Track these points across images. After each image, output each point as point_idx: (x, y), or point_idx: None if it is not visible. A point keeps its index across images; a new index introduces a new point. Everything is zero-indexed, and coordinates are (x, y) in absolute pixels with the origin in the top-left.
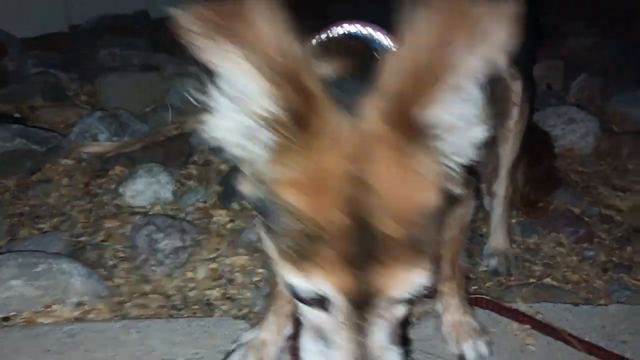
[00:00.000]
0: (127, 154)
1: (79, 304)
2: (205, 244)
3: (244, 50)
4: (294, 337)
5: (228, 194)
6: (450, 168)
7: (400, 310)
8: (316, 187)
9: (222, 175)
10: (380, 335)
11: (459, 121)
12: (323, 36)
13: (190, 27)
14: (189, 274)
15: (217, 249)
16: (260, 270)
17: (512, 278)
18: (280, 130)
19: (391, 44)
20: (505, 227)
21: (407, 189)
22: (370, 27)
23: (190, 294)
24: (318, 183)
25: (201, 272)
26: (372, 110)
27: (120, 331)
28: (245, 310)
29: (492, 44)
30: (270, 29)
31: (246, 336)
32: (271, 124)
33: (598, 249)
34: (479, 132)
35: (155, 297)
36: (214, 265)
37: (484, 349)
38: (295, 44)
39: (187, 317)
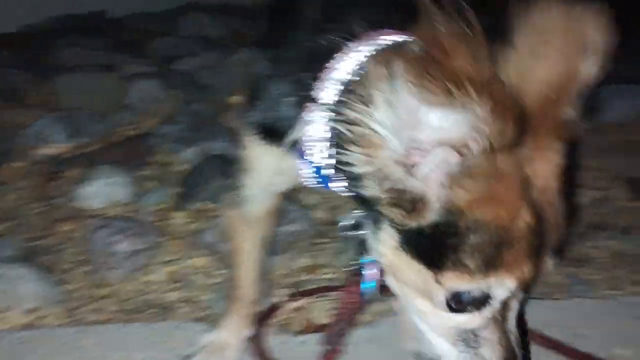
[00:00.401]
0: (84, 155)
1: (33, 310)
2: (164, 246)
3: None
4: (256, 338)
5: (188, 195)
6: None
7: None
8: (503, 198)
9: (181, 176)
10: (514, 317)
11: None
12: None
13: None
14: (147, 277)
15: (177, 251)
16: (221, 272)
17: None
18: (476, 154)
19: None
20: None
21: (556, 179)
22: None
23: (148, 297)
24: (504, 194)
25: (159, 275)
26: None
27: (75, 336)
28: (204, 313)
29: (596, 50)
30: (471, 54)
31: (206, 338)
32: (464, 150)
33: None
34: None
35: (111, 301)
36: (173, 268)
37: None
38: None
39: (144, 321)
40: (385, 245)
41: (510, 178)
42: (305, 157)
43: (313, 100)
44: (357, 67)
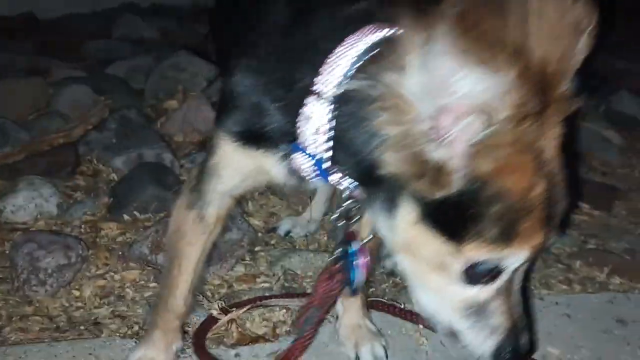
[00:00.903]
0: (8, 165)
1: None
2: (93, 260)
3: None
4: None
5: (118, 205)
6: None
7: None
8: (524, 168)
9: (112, 185)
10: (518, 288)
11: None
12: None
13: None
14: (75, 293)
15: (106, 265)
16: (153, 285)
17: None
18: (502, 122)
19: None
20: None
21: (560, 152)
22: None
23: (76, 314)
24: (525, 164)
25: (88, 290)
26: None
27: None
28: (135, 328)
29: (587, 30)
30: (506, 18)
31: (133, 356)
32: (491, 117)
33: None
34: None
35: (37, 320)
36: (102, 282)
37: (381, 351)
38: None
39: (72, 339)
40: (403, 221)
41: (531, 148)
42: (304, 152)
43: (313, 94)
44: (371, 47)
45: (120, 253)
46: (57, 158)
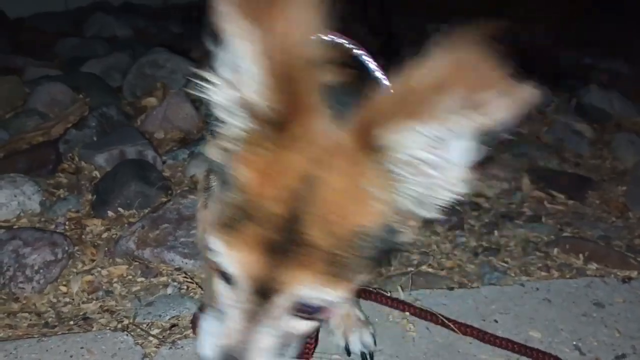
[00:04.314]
0: None
1: None
2: (79, 256)
3: (259, 32)
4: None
5: (102, 202)
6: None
7: (296, 326)
8: (267, 171)
9: (94, 182)
10: (266, 339)
11: (437, 163)
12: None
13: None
14: (62, 289)
15: (93, 260)
16: (140, 280)
17: (392, 268)
18: (256, 120)
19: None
20: None
21: (350, 205)
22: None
23: (65, 309)
24: (271, 168)
25: (76, 286)
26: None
27: None
28: (125, 322)
29: (487, 114)
30: (295, 22)
31: None
32: (251, 111)
33: (468, 234)
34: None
35: (25, 316)
36: (89, 278)
37: (369, 339)
38: (312, 45)
39: (62, 334)
40: None
41: (285, 161)
42: None
43: None
44: None
45: (106, 249)
46: (37, 156)
